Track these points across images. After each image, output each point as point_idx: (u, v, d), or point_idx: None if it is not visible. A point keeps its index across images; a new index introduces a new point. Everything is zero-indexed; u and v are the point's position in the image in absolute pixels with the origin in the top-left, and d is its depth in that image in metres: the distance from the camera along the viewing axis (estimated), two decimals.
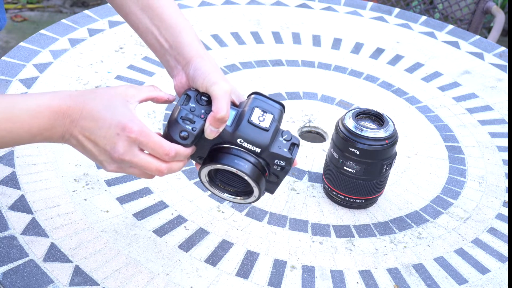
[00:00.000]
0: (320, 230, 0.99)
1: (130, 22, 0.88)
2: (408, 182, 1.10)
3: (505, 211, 1.06)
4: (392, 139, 0.97)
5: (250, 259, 0.92)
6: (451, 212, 1.05)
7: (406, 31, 1.54)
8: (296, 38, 1.45)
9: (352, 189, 0.99)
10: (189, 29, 0.85)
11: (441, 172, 1.13)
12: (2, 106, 0.72)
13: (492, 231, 1.02)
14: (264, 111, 0.79)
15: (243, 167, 0.77)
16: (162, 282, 0.87)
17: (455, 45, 1.50)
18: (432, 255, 0.97)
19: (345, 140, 0.96)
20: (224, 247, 0.93)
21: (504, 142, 1.21)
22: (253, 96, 0.81)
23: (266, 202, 1.02)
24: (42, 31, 1.34)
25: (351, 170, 0.97)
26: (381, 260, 0.95)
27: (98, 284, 0.85)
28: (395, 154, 0.99)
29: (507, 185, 1.11)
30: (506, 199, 1.09)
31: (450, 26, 1.57)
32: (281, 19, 1.52)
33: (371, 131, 0.96)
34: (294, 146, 0.80)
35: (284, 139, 0.79)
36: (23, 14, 2.97)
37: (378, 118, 0.98)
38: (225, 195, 0.83)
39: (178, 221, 0.96)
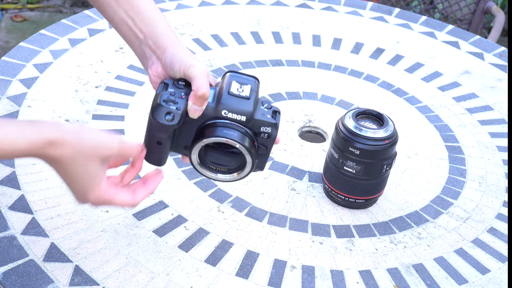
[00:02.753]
0: (320, 230, 0.99)
1: (104, 13, 0.89)
2: (408, 182, 1.10)
3: (505, 211, 1.06)
4: (392, 139, 0.97)
5: (250, 259, 0.92)
6: (451, 212, 1.05)
7: (406, 31, 1.54)
8: (296, 38, 1.45)
9: (352, 189, 0.99)
10: (164, 21, 0.87)
11: (441, 172, 1.13)
12: None
13: (492, 231, 1.02)
14: (241, 84, 0.80)
15: (232, 135, 0.78)
16: (162, 282, 0.87)
17: (455, 45, 1.50)
18: (432, 255, 0.97)
19: (345, 140, 0.96)
20: (224, 247, 0.93)
21: (504, 142, 1.21)
22: (227, 74, 0.82)
23: (266, 202, 1.02)
24: (42, 31, 1.34)
25: (351, 170, 0.97)
26: (381, 260, 0.95)
27: (98, 284, 0.85)
28: (395, 154, 0.99)
29: (507, 185, 1.11)
30: (506, 199, 1.09)
31: (450, 26, 1.57)
32: (281, 19, 1.52)
33: (371, 131, 0.96)
34: (276, 113, 0.81)
35: (266, 107, 0.81)
36: (23, 14, 2.97)
37: (378, 118, 0.98)
38: (219, 176, 0.84)
39: (178, 221, 0.96)
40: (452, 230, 1.02)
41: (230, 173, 0.83)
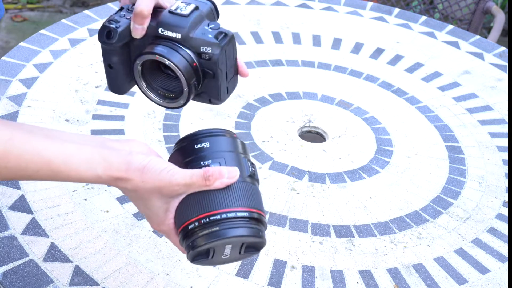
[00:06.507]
0: (320, 230, 0.99)
1: None
2: (408, 182, 1.10)
3: (505, 211, 1.06)
4: None
5: (250, 259, 0.92)
6: (451, 212, 1.05)
7: (406, 31, 1.54)
8: (296, 38, 1.45)
9: None
10: None
11: (441, 172, 1.13)
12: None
13: (492, 231, 1.02)
14: (187, 3, 0.78)
15: (162, 51, 0.76)
16: (162, 282, 0.87)
17: (455, 45, 1.50)
18: (432, 255, 0.97)
19: None
20: None
21: (504, 142, 1.21)
22: None
23: (266, 202, 1.02)
24: (42, 31, 1.34)
25: None
26: (381, 260, 0.95)
27: (98, 284, 0.85)
28: None
29: (507, 185, 1.11)
30: (506, 199, 1.09)
31: (450, 26, 1.57)
32: (281, 19, 1.52)
33: None
34: (222, 34, 0.76)
35: (210, 28, 0.77)
36: (23, 14, 2.97)
37: None
38: (166, 102, 0.81)
39: None
40: (452, 230, 1.02)
41: (176, 99, 0.80)
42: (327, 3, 1.60)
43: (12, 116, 1.11)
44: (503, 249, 0.99)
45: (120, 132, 1.11)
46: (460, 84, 1.37)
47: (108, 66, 0.79)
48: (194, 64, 0.77)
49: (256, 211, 0.68)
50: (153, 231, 0.94)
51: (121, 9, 0.80)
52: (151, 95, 0.81)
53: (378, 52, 1.44)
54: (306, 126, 1.20)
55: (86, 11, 1.43)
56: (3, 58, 1.24)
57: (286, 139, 1.16)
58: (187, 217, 0.68)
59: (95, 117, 1.14)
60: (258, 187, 0.71)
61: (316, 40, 1.46)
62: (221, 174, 0.67)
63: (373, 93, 1.31)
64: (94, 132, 1.10)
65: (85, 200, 0.98)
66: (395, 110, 1.27)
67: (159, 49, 0.76)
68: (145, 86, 0.80)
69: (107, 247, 0.91)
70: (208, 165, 0.69)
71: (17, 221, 0.92)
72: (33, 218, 0.93)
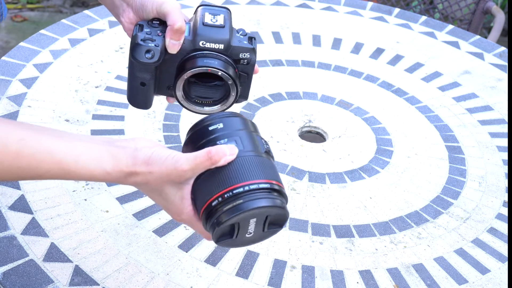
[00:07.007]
0: (320, 230, 0.99)
1: None
2: (408, 182, 1.10)
3: (505, 211, 1.06)
4: None
5: (250, 259, 0.92)
6: (451, 212, 1.05)
7: (406, 31, 1.54)
8: (296, 38, 1.45)
9: None
10: None
11: (441, 172, 1.13)
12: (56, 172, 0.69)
13: (492, 231, 1.02)
14: (214, 14, 0.82)
15: (213, 63, 0.80)
16: (162, 282, 0.87)
17: (455, 45, 1.50)
18: (432, 255, 0.97)
19: None
20: (223, 247, 0.93)
21: (504, 142, 1.21)
22: (199, 8, 0.83)
23: None
24: (42, 31, 1.34)
25: None
26: (381, 260, 0.95)
27: (98, 284, 0.85)
28: None
29: (507, 185, 1.11)
30: (506, 199, 1.09)
31: (450, 26, 1.57)
32: (281, 19, 1.52)
33: None
34: (252, 39, 0.82)
35: (241, 34, 0.82)
36: (23, 14, 2.97)
37: None
38: (205, 109, 0.85)
39: None
40: (452, 230, 1.02)
41: (215, 104, 0.84)
42: (327, 3, 1.60)
43: (12, 116, 1.11)
44: (503, 249, 0.99)
45: (120, 132, 1.12)
46: (460, 84, 1.37)
47: (141, 84, 0.82)
48: (236, 70, 0.82)
49: (276, 183, 0.70)
50: (153, 231, 0.94)
51: (140, 26, 0.81)
52: (191, 105, 0.84)
53: (378, 52, 1.44)
54: (306, 126, 1.20)
55: (86, 11, 1.43)
56: (3, 58, 1.25)
57: (286, 139, 1.16)
58: (209, 194, 0.69)
59: (95, 117, 1.14)
60: (274, 163, 0.73)
61: (316, 40, 1.46)
62: (224, 152, 0.69)
63: (373, 93, 1.31)
64: (94, 132, 1.10)
65: (85, 200, 0.98)
66: (395, 110, 1.27)
67: (210, 61, 0.80)
68: (184, 97, 0.83)
69: (107, 247, 0.91)
70: (225, 144, 0.71)
71: (17, 221, 0.92)
72: (33, 218, 0.93)
